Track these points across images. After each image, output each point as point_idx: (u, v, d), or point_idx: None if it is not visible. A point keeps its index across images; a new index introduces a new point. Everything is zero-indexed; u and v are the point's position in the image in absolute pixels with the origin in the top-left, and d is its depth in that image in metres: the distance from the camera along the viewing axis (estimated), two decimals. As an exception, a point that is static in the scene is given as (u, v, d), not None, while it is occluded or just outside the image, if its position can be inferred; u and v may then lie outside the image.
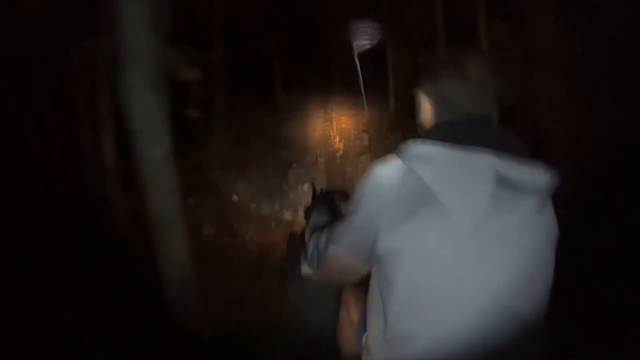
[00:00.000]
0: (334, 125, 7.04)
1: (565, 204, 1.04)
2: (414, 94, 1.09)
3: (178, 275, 2.29)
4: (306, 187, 4.81)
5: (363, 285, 1.25)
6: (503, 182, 0.90)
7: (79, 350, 2.17)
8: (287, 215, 4.51)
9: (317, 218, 1.30)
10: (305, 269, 1.23)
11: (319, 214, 1.31)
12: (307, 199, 1.64)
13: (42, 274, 2.64)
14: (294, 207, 4.56)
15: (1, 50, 2.77)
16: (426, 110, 1.06)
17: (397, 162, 0.96)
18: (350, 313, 1.41)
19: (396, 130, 6.04)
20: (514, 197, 0.90)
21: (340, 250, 1.03)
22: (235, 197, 4.93)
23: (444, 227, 0.89)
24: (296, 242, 2.00)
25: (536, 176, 0.93)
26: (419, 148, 0.95)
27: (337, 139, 6.65)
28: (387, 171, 0.96)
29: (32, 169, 3.50)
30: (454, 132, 0.95)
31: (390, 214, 0.92)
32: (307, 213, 1.41)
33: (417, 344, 0.92)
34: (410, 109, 1.13)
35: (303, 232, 1.96)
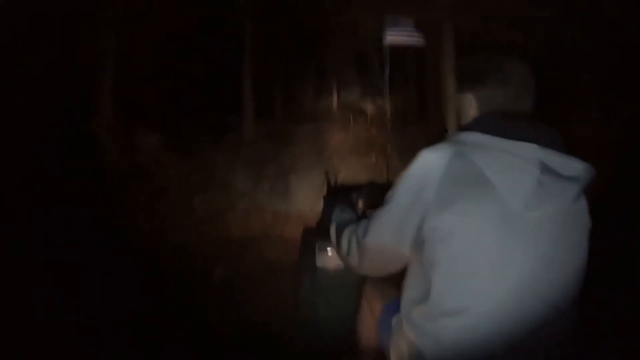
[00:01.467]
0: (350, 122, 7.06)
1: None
2: (455, 97, 1.15)
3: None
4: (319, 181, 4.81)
5: (385, 277, 1.25)
6: (547, 170, 0.95)
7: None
8: (300, 208, 4.50)
9: (342, 214, 1.31)
10: (343, 261, 1.26)
11: (342, 211, 1.33)
12: (322, 191, 1.64)
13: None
14: (308, 201, 4.56)
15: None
16: (470, 110, 1.11)
17: (444, 146, 1.00)
18: (371, 305, 1.42)
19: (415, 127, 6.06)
20: (557, 184, 0.95)
21: (384, 235, 1.07)
22: (245, 190, 4.94)
23: (493, 208, 0.94)
24: (310, 236, 1.99)
25: (576, 167, 0.97)
26: (467, 136, 1.00)
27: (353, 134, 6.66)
28: (435, 154, 0.99)
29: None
30: (498, 123, 1.00)
31: (438, 193, 0.95)
32: (325, 206, 1.41)
33: (461, 320, 0.96)
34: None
35: (317, 225, 1.96)
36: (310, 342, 2.15)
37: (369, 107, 8.20)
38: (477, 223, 0.94)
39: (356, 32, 7.86)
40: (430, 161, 0.99)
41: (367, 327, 1.44)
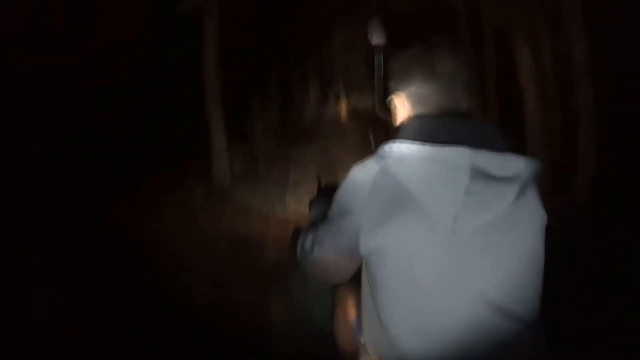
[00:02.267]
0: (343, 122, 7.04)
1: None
2: (390, 98, 1.08)
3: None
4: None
5: (357, 283, 1.24)
6: (480, 176, 0.88)
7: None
8: (291, 210, 4.50)
9: (316, 214, 1.29)
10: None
11: (318, 210, 1.30)
12: (312, 193, 1.63)
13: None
14: (299, 202, 4.56)
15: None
16: (400, 110, 1.05)
17: (371, 163, 0.95)
18: (345, 311, 1.40)
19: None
20: (492, 188, 0.88)
21: (324, 252, 1.04)
22: (238, 193, 4.93)
23: (423, 225, 0.89)
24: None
25: (513, 165, 0.90)
26: (393, 147, 0.93)
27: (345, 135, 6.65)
28: (361, 172, 0.96)
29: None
30: (427, 128, 0.94)
31: (367, 214, 0.92)
32: (311, 206, 1.40)
33: (411, 343, 0.92)
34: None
35: (306, 227, 1.95)
36: (302, 345, 2.15)
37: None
38: (409, 243, 0.89)
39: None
40: (357, 180, 0.96)
41: (344, 333, 1.40)
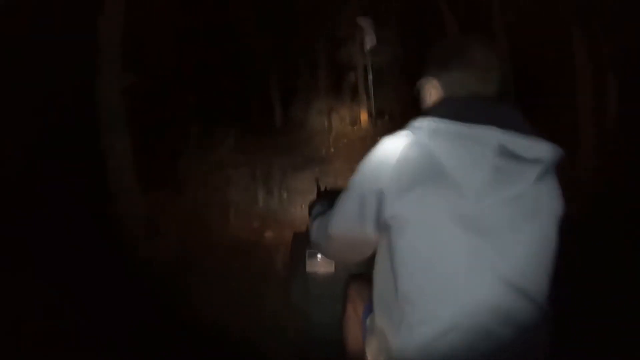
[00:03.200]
0: (338, 126, 7.03)
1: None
2: (424, 81, 1.13)
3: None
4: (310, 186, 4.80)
5: (367, 278, 1.25)
6: (506, 154, 0.94)
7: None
8: (291, 214, 4.50)
9: (319, 210, 1.31)
10: (314, 252, 1.28)
11: (320, 209, 1.32)
12: (312, 197, 1.64)
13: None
14: (299, 206, 4.56)
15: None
16: (432, 94, 1.11)
17: (402, 134, 1.01)
18: (355, 307, 1.42)
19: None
20: (516, 168, 0.94)
21: (347, 223, 1.07)
22: (238, 197, 4.92)
23: (448, 195, 0.93)
24: (300, 241, 2.00)
25: (538, 147, 0.96)
26: (424, 122, 0.99)
27: (341, 138, 6.64)
28: (392, 142, 1.00)
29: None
30: (458, 107, 1.00)
31: (392, 181, 0.95)
32: (311, 209, 1.41)
33: (426, 310, 0.94)
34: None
35: (307, 230, 1.96)
36: (301, 348, 2.15)
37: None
38: (433, 211, 0.93)
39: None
40: (386, 149, 1.00)
41: (353, 330, 1.43)
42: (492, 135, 0.94)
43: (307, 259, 1.91)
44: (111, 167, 3.89)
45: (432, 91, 1.11)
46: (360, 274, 1.57)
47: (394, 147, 0.99)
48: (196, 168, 5.35)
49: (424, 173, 0.94)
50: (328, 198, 1.44)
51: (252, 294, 2.97)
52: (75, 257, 2.95)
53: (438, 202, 0.93)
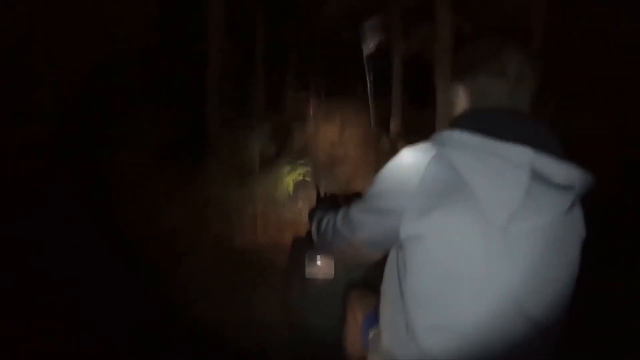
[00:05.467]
0: (340, 131, 7.01)
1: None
2: (451, 87, 1.05)
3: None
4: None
5: (368, 285, 1.25)
6: (538, 177, 0.85)
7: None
8: (291, 218, 4.49)
9: (321, 214, 1.27)
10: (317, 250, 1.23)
11: (322, 211, 1.29)
12: (312, 202, 1.65)
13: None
14: (298, 210, 4.56)
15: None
16: (462, 103, 1.01)
17: (426, 146, 0.92)
18: (354, 315, 1.41)
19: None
20: (548, 194, 0.85)
21: (361, 235, 1.00)
22: (238, 200, 4.91)
23: (474, 218, 0.85)
24: (299, 245, 2.00)
25: (572, 174, 0.87)
26: (453, 135, 0.90)
27: (343, 144, 6.64)
28: (415, 155, 0.91)
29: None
30: (490, 121, 0.90)
31: (415, 198, 0.87)
32: (311, 214, 1.41)
33: (432, 334, 0.90)
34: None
35: (307, 235, 1.97)
36: (300, 352, 2.16)
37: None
38: (453, 235, 0.86)
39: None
40: (409, 164, 0.91)
41: (352, 339, 1.42)
42: (524, 156, 0.84)
43: (306, 263, 1.92)
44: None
45: (457, 100, 1.01)
46: (364, 280, 1.57)
47: (416, 162, 0.90)
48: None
49: (448, 193, 0.86)
50: (328, 203, 1.45)
51: (251, 298, 2.98)
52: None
53: (462, 225, 0.85)
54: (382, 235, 0.96)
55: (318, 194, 1.69)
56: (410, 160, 0.91)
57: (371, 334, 1.18)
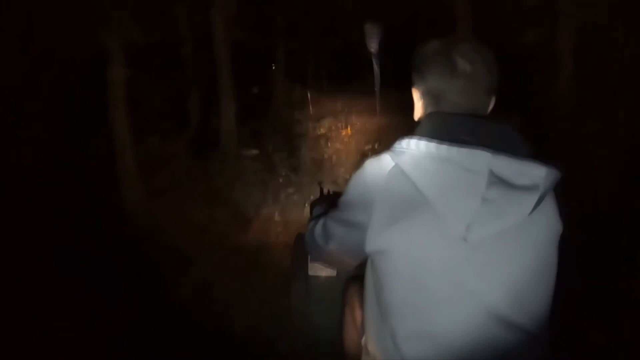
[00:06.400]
0: (347, 125, 7.00)
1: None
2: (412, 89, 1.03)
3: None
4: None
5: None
6: (498, 181, 0.83)
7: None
8: (294, 215, 4.48)
9: (318, 212, 1.25)
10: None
11: (320, 210, 1.27)
12: (314, 198, 1.64)
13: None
14: (301, 207, 4.55)
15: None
16: (417, 105, 1.01)
17: (386, 160, 0.92)
18: (354, 313, 1.40)
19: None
20: (509, 197, 0.83)
21: (332, 244, 1.02)
22: (240, 197, 4.90)
23: (434, 230, 0.85)
24: (302, 244, 1.98)
25: (534, 172, 0.84)
26: (410, 144, 0.89)
27: (348, 138, 6.63)
28: (376, 169, 0.93)
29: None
30: (445, 125, 0.89)
31: (377, 211, 0.89)
32: (313, 208, 1.41)
33: (412, 346, 0.90)
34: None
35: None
36: (303, 350, 2.15)
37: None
38: (417, 246, 0.86)
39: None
40: (370, 175, 0.93)
41: (350, 336, 1.41)
42: (482, 160, 0.83)
43: (309, 261, 1.90)
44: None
45: (416, 103, 1.01)
46: (359, 277, 1.56)
47: (376, 176, 0.91)
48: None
49: (408, 205, 0.86)
50: (330, 201, 1.44)
51: (253, 295, 2.98)
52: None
53: (422, 236, 0.86)
54: (352, 247, 0.97)
55: (321, 190, 1.69)
56: (370, 173, 0.93)
57: (363, 340, 1.16)
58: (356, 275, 1.63)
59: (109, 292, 2.66)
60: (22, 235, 3.04)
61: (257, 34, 7.80)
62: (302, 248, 1.95)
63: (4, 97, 3.60)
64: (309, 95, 8.21)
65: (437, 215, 0.84)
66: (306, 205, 4.31)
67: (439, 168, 0.85)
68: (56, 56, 4.05)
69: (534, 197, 0.84)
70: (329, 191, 1.69)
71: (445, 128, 0.89)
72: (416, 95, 1.01)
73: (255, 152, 6.05)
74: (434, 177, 0.85)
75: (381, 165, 0.92)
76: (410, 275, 0.88)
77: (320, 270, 1.90)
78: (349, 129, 6.73)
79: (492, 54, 0.94)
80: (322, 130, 6.93)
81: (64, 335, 2.27)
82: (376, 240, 0.90)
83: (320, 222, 1.08)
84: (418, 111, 1.01)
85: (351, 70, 9.66)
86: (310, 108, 7.87)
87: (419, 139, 0.88)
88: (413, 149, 0.88)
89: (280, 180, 5.28)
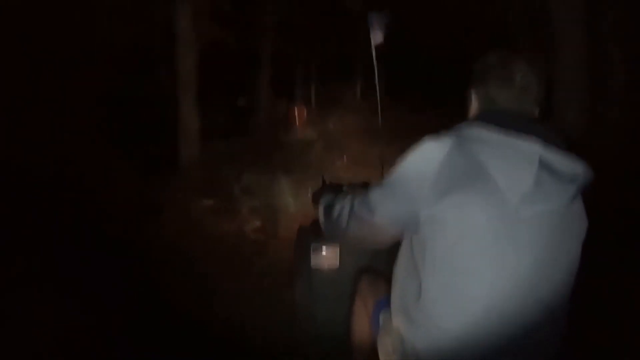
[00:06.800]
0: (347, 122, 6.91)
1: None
2: (466, 93, 1.16)
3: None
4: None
5: (380, 274, 1.24)
6: (546, 168, 0.94)
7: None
8: (296, 208, 4.43)
9: (330, 199, 1.30)
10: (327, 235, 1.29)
11: (330, 197, 1.32)
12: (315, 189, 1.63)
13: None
14: (304, 200, 4.51)
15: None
16: (474, 107, 1.13)
17: (446, 137, 1.00)
18: (365, 301, 1.42)
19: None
20: (555, 184, 0.94)
21: (377, 216, 1.06)
22: (242, 191, 4.82)
23: (489, 199, 0.93)
24: (305, 236, 1.98)
25: (576, 167, 0.96)
26: (471, 127, 1.00)
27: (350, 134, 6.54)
28: (435, 144, 0.99)
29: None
30: (503, 120, 1.00)
31: (435, 184, 0.95)
32: (316, 198, 1.42)
33: (448, 314, 0.97)
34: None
35: (312, 225, 1.95)
36: (306, 344, 2.14)
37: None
38: (471, 215, 0.93)
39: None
40: (430, 151, 0.99)
41: (361, 324, 1.44)
42: (534, 148, 0.94)
43: (311, 254, 1.90)
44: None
45: (471, 104, 1.13)
46: (372, 268, 1.56)
47: (436, 150, 0.98)
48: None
49: (467, 177, 0.94)
50: (333, 191, 1.44)
51: (255, 289, 2.98)
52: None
53: (478, 206, 0.93)
54: (401, 219, 1.03)
55: (323, 182, 1.69)
56: (430, 148, 0.99)
57: (382, 320, 1.23)
58: (368, 267, 1.64)
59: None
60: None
61: (238, 32, 6.93)
62: (304, 241, 1.96)
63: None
64: (296, 112, 7.26)
65: (494, 185, 0.93)
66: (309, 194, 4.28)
67: (498, 149, 0.95)
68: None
69: (574, 187, 0.96)
70: (330, 183, 1.68)
71: (501, 121, 0.99)
72: (473, 96, 1.13)
73: (209, 202, 4.27)
74: (494, 155, 0.94)
75: (442, 141, 0.99)
76: (458, 243, 0.94)
77: (322, 262, 1.90)
78: (344, 158, 5.75)
79: (543, 68, 1.10)
80: (312, 156, 5.68)
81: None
82: (431, 209, 0.95)
83: (358, 199, 1.12)
84: (472, 111, 1.13)
85: (347, 79, 8.97)
86: (298, 127, 6.93)
87: (476, 125, 1.00)
88: (473, 131, 0.99)
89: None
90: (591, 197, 1.05)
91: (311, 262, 1.90)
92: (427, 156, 0.99)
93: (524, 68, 1.06)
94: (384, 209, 1.04)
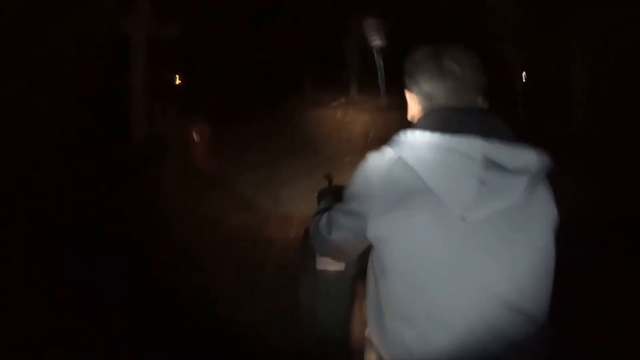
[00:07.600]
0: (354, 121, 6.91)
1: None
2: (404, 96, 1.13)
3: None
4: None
5: None
6: (491, 166, 0.89)
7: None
8: (302, 209, 4.43)
9: (325, 205, 1.33)
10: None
11: (327, 203, 1.34)
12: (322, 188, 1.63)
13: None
14: (310, 201, 4.49)
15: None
16: (412, 106, 1.09)
17: (387, 151, 0.99)
18: (362, 305, 1.41)
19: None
20: (503, 178, 0.89)
21: (338, 233, 1.08)
22: (247, 190, 4.85)
23: (435, 213, 0.90)
24: (310, 238, 1.98)
25: (524, 157, 0.91)
26: (408, 136, 0.97)
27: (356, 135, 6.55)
28: (378, 160, 0.99)
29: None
30: (440, 118, 0.97)
31: (378, 201, 0.95)
32: (320, 197, 1.44)
33: (414, 331, 0.93)
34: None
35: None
36: (310, 346, 2.14)
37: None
38: (418, 231, 0.91)
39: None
40: (373, 166, 0.99)
41: (358, 328, 1.42)
42: (476, 147, 0.90)
43: (317, 255, 1.90)
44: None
45: (411, 103, 1.09)
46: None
47: (378, 167, 0.98)
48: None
49: (407, 193, 0.92)
50: (335, 192, 1.44)
51: (260, 290, 2.97)
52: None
53: (423, 221, 0.91)
54: (354, 236, 1.03)
55: (330, 183, 1.69)
56: (372, 164, 1.00)
57: (366, 332, 1.19)
58: (365, 269, 1.64)
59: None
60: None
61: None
62: (309, 243, 1.95)
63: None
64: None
65: (437, 199, 0.90)
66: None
67: (437, 155, 0.91)
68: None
69: (525, 179, 0.90)
70: (336, 184, 1.68)
71: (439, 120, 0.96)
72: (410, 97, 1.09)
73: None
74: (432, 164, 0.91)
75: (383, 156, 0.99)
76: (411, 259, 0.92)
77: (328, 265, 1.89)
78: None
79: (477, 56, 1.03)
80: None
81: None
82: (378, 227, 0.95)
83: (325, 214, 1.14)
84: (411, 111, 1.10)
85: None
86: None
87: (417, 131, 0.96)
88: (412, 140, 0.96)
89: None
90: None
91: (317, 264, 1.89)
92: (369, 175, 0.99)
93: (454, 55, 1.01)
94: (339, 229, 1.07)
